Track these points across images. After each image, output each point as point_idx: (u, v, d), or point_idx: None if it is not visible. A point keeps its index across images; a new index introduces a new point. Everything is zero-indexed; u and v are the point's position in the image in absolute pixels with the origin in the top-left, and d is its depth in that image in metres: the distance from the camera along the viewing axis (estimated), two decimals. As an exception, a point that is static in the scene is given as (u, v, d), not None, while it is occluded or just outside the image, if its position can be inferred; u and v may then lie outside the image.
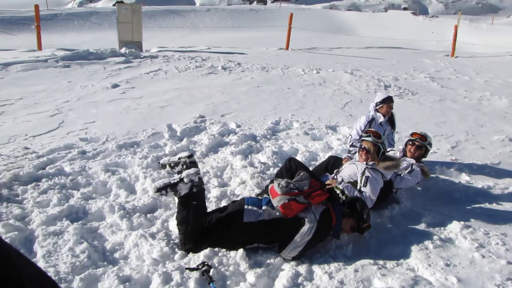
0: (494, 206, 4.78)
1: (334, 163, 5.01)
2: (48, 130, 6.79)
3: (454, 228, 4.08)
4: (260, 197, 4.17)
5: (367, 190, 4.23)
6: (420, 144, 5.14)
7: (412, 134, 5.28)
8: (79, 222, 4.06)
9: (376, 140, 4.40)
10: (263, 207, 3.63)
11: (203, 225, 3.62)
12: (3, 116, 7.45)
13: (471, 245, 3.75)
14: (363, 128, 5.94)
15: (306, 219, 3.48)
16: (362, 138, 4.54)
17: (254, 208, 3.62)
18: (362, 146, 4.49)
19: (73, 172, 5.20)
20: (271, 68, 12.74)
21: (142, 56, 13.39)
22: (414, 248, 3.71)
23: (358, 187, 4.30)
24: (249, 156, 6.00)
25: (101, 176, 5.15)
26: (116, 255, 3.63)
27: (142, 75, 10.92)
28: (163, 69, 11.70)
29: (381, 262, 3.46)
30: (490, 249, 3.72)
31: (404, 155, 5.34)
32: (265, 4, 66.42)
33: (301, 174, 3.73)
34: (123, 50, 13.86)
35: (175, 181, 3.63)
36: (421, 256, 3.55)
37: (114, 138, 6.45)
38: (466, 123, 8.20)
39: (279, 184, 3.61)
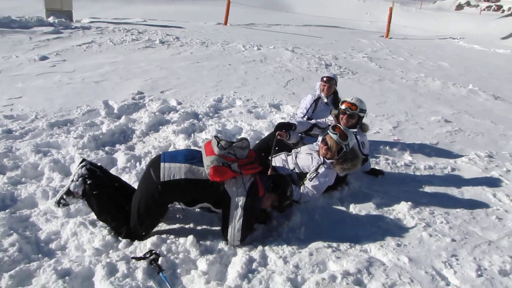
0: (436, 185, 4.92)
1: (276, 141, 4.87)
2: (-36, 106, 6.11)
3: (402, 208, 4.15)
4: None
5: (309, 185, 4.11)
6: (351, 113, 4.90)
7: (342, 103, 5.00)
8: (7, 211, 3.63)
9: (340, 141, 4.15)
10: (184, 164, 3.27)
11: (123, 205, 3.38)
12: None
13: (418, 225, 3.84)
14: (308, 107, 5.94)
15: (234, 190, 3.23)
16: (328, 132, 4.24)
17: (172, 166, 3.26)
18: (325, 141, 4.22)
19: (-3, 154, 4.70)
20: (211, 44, 12.39)
21: (73, 27, 12.48)
22: (366, 229, 3.72)
23: (305, 178, 4.20)
24: (192, 135, 5.76)
25: (31, 157, 4.69)
26: (52, 245, 3.28)
27: (73, 47, 10.16)
28: (96, 41, 10.96)
29: (334, 244, 3.42)
30: (435, 228, 3.83)
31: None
32: (202, -24, 64.58)
33: (243, 141, 3.43)
34: (51, 19, 12.83)
35: (66, 186, 3.44)
36: (373, 238, 3.57)
37: (45, 116, 5.93)
38: (405, 103, 8.45)
39: (219, 142, 3.27)
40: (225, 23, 17.97)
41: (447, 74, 12.42)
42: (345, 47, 15.02)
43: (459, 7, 55.59)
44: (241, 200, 3.21)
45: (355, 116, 4.92)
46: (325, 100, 5.96)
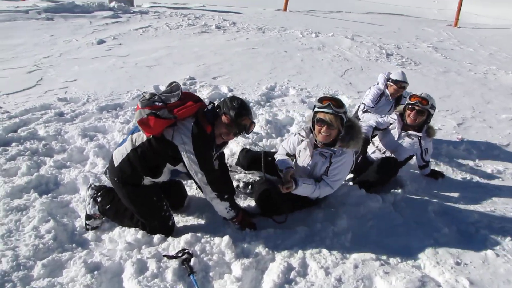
0: (505, 193, 4.39)
1: None
2: (24, 88, 6.24)
3: (463, 218, 3.69)
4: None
5: (328, 181, 3.53)
6: (421, 108, 4.26)
7: (411, 97, 4.35)
8: (49, 195, 3.62)
9: (337, 111, 3.27)
10: (127, 140, 3.12)
11: None
12: (-23, 70, 6.87)
13: (484, 241, 3.38)
14: (375, 101, 5.49)
15: (179, 138, 2.93)
16: (317, 110, 3.36)
17: (116, 150, 3.23)
18: (319, 119, 3.33)
19: (47, 136, 4.72)
20: (268, 30, 12.07)
21: (131, 11, 12.59)
22: (420, 241, 3.32)
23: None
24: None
25: (77, 141, 4.68)
26: (87, 235, 3.22)
27: (130, 32, 10.22)
28: (153, 25, 10.98)
29: (383, 256, 3.08)
30: (504, 246, 3.35)
31: (404, 123, 4.49)
32: (264, -38, 64.00)
33: (172, 85, 3.06)
34: (112, 4, 13.02)
35: (84, 212, 3.38)
36: (428, 252, 3.16)
37: (96, 99, 5.95)
38: (472, 98, 7.76)
39: (142, 96, 3.00)
40: (285, 9, 17.53)
41: (524, 67, 11.36)
42: (408, 36, 14.15)
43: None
44: (187, 144, 2.91)
45: (424, 112, 4.30)
46: (389, 97, 5.51)
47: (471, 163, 5.04)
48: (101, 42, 9.11)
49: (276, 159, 3.73)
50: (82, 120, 5.26)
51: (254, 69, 8.28)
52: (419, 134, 4.36)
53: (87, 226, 3.28)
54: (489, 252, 3.21)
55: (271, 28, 12.32)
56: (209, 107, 3.12)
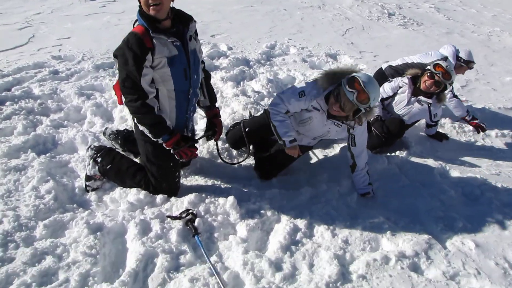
0: (509, 156, 4.34)
1: None
2: (15, 46, 6.04)
3: (469, 181, 3.64)
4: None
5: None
6: (441, 80, 4.04)
7: (435, 66, 4.07)
8: (47, 155, 3.52)
9: (358, 103, 2.95)
10: None
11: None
12: (-36, 26, 6.63)
13: (489, 204, 3.33)
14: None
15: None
16: (343, 87, 2.96)
17: None
18: (339, 97, 3.00)
19: (42, 95, 4.58)
20: (267, -14, 11.70)
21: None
22: (426, 203, 3.28)
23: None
24: (242, 83, 5.41)
25: (74, 100, 4.56)
26: (88, 196, 3.14)
27: (124, -13, 9.86)
28: (148, -19, 10.58)
29: (390, 218, 3.04)
30: (509, 209, 3.30)
31: (415, 87, 4.28)
32: None
33: None
34: (104, -43, 12.51)
35: (84, 173, 3.26)
36: (434, 213, 3.13)
37: (91, 57, 5.77)
38: (476, 60, 7.51)
39: None
40: (283, -34, 16.99)
41: (528, 29, 11.13)
42: (411, -5, 13.79)
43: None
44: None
45: (442, 84, 4.09)
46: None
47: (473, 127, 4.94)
48: (94, -2, 8.80)
49: (275, 120, 3.20)
50: (78, 79, 5.11)
51: (253, 27, 8.04)
52: (430, 100, 4.21)
53: (87, 188, 3.20)
54: (494, 214, 3.17)
55: (270, -15, 11.93)
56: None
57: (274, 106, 3.23)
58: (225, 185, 3.32)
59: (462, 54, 4.90)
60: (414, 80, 4.28)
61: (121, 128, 3.88)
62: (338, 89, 3.02)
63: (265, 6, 9.65)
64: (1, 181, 3.14)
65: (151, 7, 2.57)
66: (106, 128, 3.70)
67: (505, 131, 4.88)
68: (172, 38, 2.68)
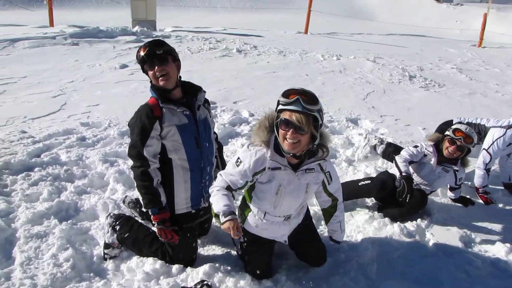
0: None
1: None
2: (48, 113, 6.34)
3: (497, 251, 3.52)
4: None
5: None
6: (463, 145, 4.00)
7: (455, 132, 4.04)
8: (68, 222, 3.61)
9: (309, 108, 2.41)
10: None
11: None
12: (4, 96, 7.02)
13: None
14: (502, 148, 4.65)
15: None
16: (281, 108, 2.47)
17: None
18: (284, 119, 2.46)
19: (69, 162, 4.74)
20: (289, 53, 12.11)
21: (154, 36, 12.81)
22: (450, 274, 3.17)
23: None
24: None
25: (98, 167, 4.69)
26: (106, 265, 3.17)
27: (152, 56, 10.37)
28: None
29: (411, 291, 2.94)
30: None
31: (439, 154, 4.17)
32: (285, -14, 65.14)
33: None
34: (135, 28, 13.30)
35: (103, 241, 3.31)
36: (460, 286, 3.01)
37: (117, 124, 5.98)
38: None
39: None
40: (305, 32, 17.63)
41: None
42: (431, 57, 14.00)
43: None
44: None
45: (465, 148, 4.06)
46: None
47: (502, 190, 4.83)
48: (123, 66, 9.25)
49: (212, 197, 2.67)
50: (103, 145, 5.29)
51: (275, 92, 8.24)
52: (456, 167, 4.18)
53: (105, 256, 3.24)
54: None
55: (292, 51, 12.35)
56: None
57: None
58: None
59: None
60: (437, 147, 4.22)
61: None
62: (278, 116, 2.52)
63: (287, 72, 9.94)
64: (22, 248, 3.21)
65: (160, 78, 2.79)
66: (126, 196, 3.79)
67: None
68: (182, 108, 2.83)
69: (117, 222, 3.25)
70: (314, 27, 17.91)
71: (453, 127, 4.13)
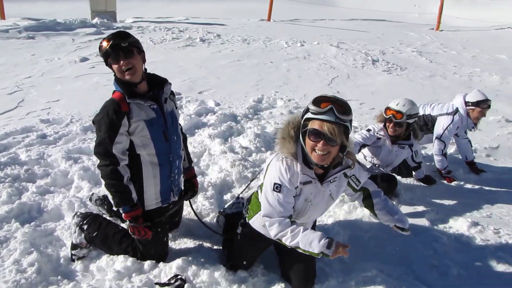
0: (499, 198, 4.35)
1: None
2: (4, 110, 6.06)
3: (460, 226, 3.67)
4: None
5: None
6: (398, 121, 4.03)
7: (386, 111, 4.10)
8: (31, 224, 3.45)
9: (342, 119, 2.27)
10: None
11: None
12: (-45, 94, 6.68)
13: (483, 248, 3.34)
14: (453, 133, 4.82)
15: None
16: (310, 116, 2.34)
17: None
18: (313, 130, 2.32)
19: (29, 161, 4.55)
20: (253, 41, 12.04)
21: (114, 28, 12.47)
22: (419, 252, 3.27)
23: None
24: (229, 139, 5.43)
25: (61, 164, 4.52)
26: (74, 266, 3.06)
27: (113, 48, 10.06)
28: (136, 41, 10.84)
29: (383, 270, 2.99)
30: (504, 252, 3.31)
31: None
32: (246, -27, 64.78)
33: None
34: (95, 20, 12.89)
35: (70, 242, 3.17)
36: (429, 262, 3.11)
37: (80, 119, 5.80)
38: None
39: None
40: (268, 19, 17.56)
41: (506, 68, 11.43)
42: (392, 41, 14.24)
43: (517, -5, 52.42)
44: None
45: (403, 124, 4.09)
46: (472, 126, 4.84)
47: (463, 167, 4.97)
48: (84, 59, 8.96)
49: (288, 239, 2.42)
50: (65, 142, 5.11)
51: (240, 81, 8.19)
52: (410, 142, 4.26)
53: (73, 257, 3.12)
54: (489, 260, 3.17)
55: (256, 39, 12.29)
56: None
57: None
58: (215, 247, 3.25)
59: (469, 98, 4.74)
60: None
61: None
62: (305, 125, 2.42)
63: (251, 59, 9.88)
64: (-19, 256, 3.05)
65: (126, 72, 2.66)
66: (93, 194, 3.67)
67: (493, 171, 4.90)
68: (149, 102, 2.74)
69: (85, 221, 3.14)
70: (276, 14, 17.86)
71: (386, 107, 4.15)
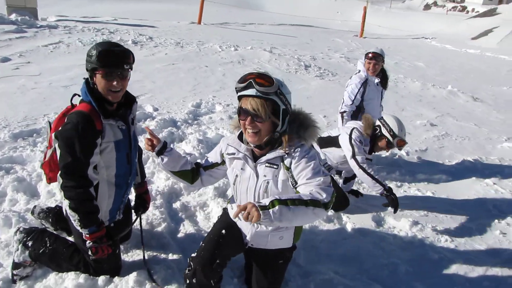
0: (431, 196, 4.69)
1: None
2: None
3: (403, 225, 3.92)
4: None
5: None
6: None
7: (399, 143, 3.96)
8: (-40, 246, 3.15)
9: (263, 91, 2.15)
10: None
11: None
12: None
13: (423, 245, 3.62)
14: (355, 92, 5.07)
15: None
16: (238, 94, 2.26)
17: None
18: (240, 108, 2.28)
19: (-49, 173, 4.16)
20: (186, 44, 11.91)
21: (38, 26, 11.72)
22: (369, 252, 3.45)
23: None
24: (172, 145, 5.34)
25: (-9, 176, 4.18)
26: (17, 287, 2.83)
27: (39, 48, 9.46)
28: (64, 41, 10.28)
29: (338, 272, 3.12)
30: (441, 248, 3.62)
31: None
32: (172, -26, 63.98)
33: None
34: (13, 16, 12.03)
35: (11, 261, 2.91)
36: (378, 261, 3.30)
37: (7, 126, 5.37)
38: (388, 106, 8.17)
39: None
40: (199, 22, 17.48)
41: (424, 74, 12.37)
42: (321, 47, 14.80)
43: (427, 7, 56.77)
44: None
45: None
46: (375, 80, 5.17)
47: (399, 170, 5.27)
48: (5, 60, 8.30)
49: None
50: (-7, 150, 4.73)
51: (177, 85, 8.08)
52: (371, 157, 4.27)
53: (15, 277, 2.86)
54: (431, 255, 3.45)
55: (189, 42, 12.17)
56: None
57: None
58: (170, 257, 3.18)
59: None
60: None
61: (50, 204, 3.61)
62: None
63: (186, 63, 9.77)
64: None
65: (113, 92, 2.48)
66: (35, 206, 3.42)
67: (424, 172, 5.27)
68: (120, 122, 2.60)
69: (29, 237, 2.92)
70: (206, 17, 17.85)
71: (398, 136, 3.96)
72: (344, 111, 5.14)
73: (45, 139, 5.02)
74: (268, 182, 2.37)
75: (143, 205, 3.19)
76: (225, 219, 2.78)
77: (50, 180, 2.85)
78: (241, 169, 2.46)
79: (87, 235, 2.58)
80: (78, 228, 2.57)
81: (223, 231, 2.62)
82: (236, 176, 2.50)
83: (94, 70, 2.47)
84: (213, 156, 2.71)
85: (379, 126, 4.06)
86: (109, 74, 2.46)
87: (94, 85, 2.52)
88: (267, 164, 2.35)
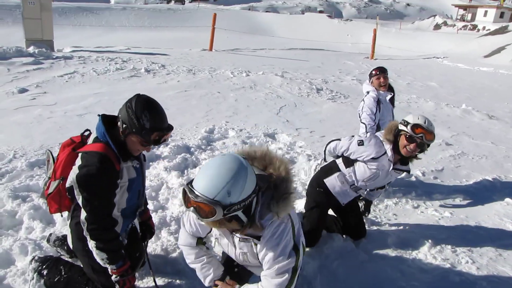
0: (451, 217, 4.60)
1: None
2: None
3: (422, 247, 3.81)
4: None
5: None
6: (424, 142, 3.41)
7: (414, 128, 3.38)
8: (-24, 275, 3.16)
9: (211, 220, 1.92)
10: None
11: None
12: None
13: (443, 267, 3.53)
14: (374, 111, 4.95)
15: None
16: None
17: None
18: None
19: (-31, 203, 4.21)
20: (198, 71, 12.06)
21: (54, 57, 12.02)
22: (388, 275, 3.36)
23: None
24: (185, 171, 5.36)
25: (7, 204, 4.22)
26: (32, 315, 2.83)
27: (55, 78, 9.67)
28: (79, 71, 10.51)
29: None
30: (462, 269, 3.52)
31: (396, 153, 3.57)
32: (183, 3, 65.42)
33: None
34: (31, 49, 12.37)
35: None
36: (398, 285, 3.22)
37: (24, 155, 5.45)
38: (402, 126, 8.19)
39: None
40: (210, 49, 17.75)
41: (437, 94, 12.31)
42: (332, 70, 14.87)
43: (437, 27, 56.99)
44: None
45: (425, 146, 3.48)
46: (388, 96, 5.22)
47: (415, 191, 5.19)
48: (23, 90, 8.50)
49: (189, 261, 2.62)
50: (10, 179, 4.77)
51: (189, 112, 8.15)
52: (407, 168, 3.73)
53: None
54: (451, 278, 3.36)
55: (201, 69, 12.33)
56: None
57: None
58: (185, 284, 3.15)
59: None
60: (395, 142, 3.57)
61: (66, 232, 3.62)
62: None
63: (198, 90, 9.87)
64: None
65: (140, 150, 2.55)
66: (51, 234, 3.44)
67: (441, 192, 5.19)
68: (135, 162, 2.64)
69: (44, 266, 2.93)
70: (217, 44, 18.11)
71: (412, 122, 3.44)
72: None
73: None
74: (245, 254, 2.33)
75: (149, 231, 3.21)
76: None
77: (55, 211, 2.86)
78: (220, 234, 2.38)
79: (114, 270, 2.60)
80: (106, 265, 2.58)
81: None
82: (216, 239, 2.50)
83: (139, 129, 2.42)
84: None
85: (397, 126, 3.60)
86: (147, 142, 2.49)
87: (119, 133, 2.50)
88: (241, 239, 2.25)
